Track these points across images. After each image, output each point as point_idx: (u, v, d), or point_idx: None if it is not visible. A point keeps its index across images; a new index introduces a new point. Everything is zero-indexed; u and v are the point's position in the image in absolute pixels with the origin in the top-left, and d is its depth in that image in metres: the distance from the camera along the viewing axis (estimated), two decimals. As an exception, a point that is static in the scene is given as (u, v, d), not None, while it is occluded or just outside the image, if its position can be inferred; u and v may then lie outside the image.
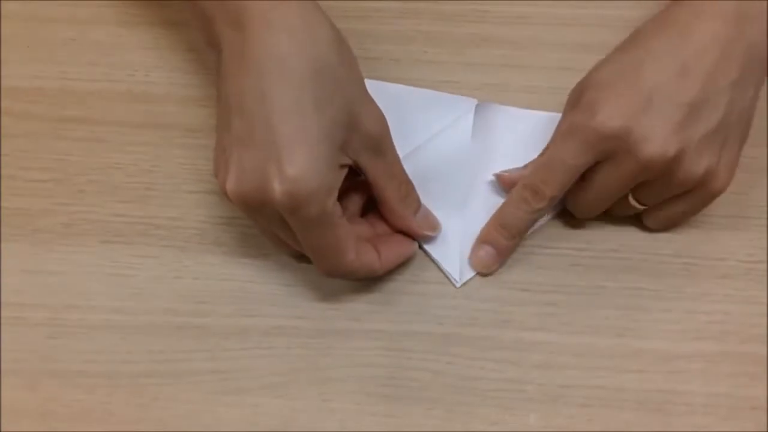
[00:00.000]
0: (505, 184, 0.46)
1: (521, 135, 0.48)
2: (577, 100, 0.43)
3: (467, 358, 0.44)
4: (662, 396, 0.43)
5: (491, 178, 0.47)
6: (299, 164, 0.37)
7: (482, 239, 0.45)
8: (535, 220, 0.45)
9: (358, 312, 0.45)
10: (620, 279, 0.45)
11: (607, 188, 0.43)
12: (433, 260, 0.46)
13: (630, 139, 0.40)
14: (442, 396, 0.43)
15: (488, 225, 0.45)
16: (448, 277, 0.45)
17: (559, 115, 0.45)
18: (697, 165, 0.41)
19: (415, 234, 0.45)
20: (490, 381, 0.43)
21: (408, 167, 0.44)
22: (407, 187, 0.44)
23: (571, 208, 0.45)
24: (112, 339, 0.44)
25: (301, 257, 0.43)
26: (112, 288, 0.45)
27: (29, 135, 0.49)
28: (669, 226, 0.46)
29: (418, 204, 0.45)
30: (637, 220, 0.46)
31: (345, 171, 0.40)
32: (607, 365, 0.43)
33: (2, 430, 0.42)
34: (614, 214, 0.46)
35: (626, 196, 0.44)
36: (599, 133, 0.41)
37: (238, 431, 0.42)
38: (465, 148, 0.47)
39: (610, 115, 0.40)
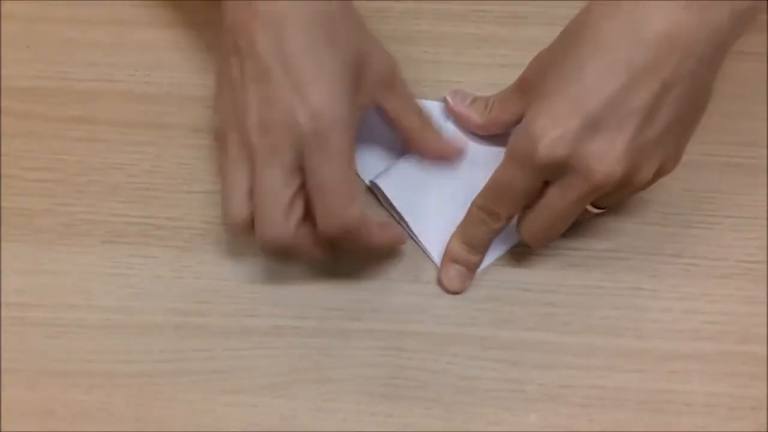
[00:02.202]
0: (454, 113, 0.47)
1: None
2: (524, 108, 0.41)
3: (467, 358, 0.44)
4: (662, 396, 0.43)
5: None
6: (322, 95, 0.39)
7: (450, 258, 0.45)
8: (499, 232, 0.44)
9: (358, 312, 0.45)
10: (620, 279, 0.45)
11: (560, 212, 0.40)
12: (433, 262, 0.46)
13: (578, 165, 0.38)
14: (442, 396, 0.43)
15: (453, 244, 0.45)
16: None
17: None
18: (651, 167, 0.39)
19: (447, 154, 0.46)
20: (490, 381, 0.43)
21: (408, 175, 0.46)
22: (425, 115, 0.45)
23: (525, 237, 0.43)
24: (112, 339, 0.44)
25: (281, 257, 0.43)
26: (112, 288, 0.45)
27: (29, 135, 0.49)
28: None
29: (439, 132, 0.46)
30: (636, 221, 0.46)
31: (362, 113, 0.42)
32: (607, 365, 0.43)
33: (2, 430, 0.42)
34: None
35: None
36: (544, 163, 0.38)
37: (238, 431, 0.42)
38: (474, 154, 0.47)
39: (553, 143, 0.38)
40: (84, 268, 0.46)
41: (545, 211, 0.41)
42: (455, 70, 0.50)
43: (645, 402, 0.43)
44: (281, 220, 0.40)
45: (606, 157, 0.38)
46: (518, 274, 0.46)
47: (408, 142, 0.46)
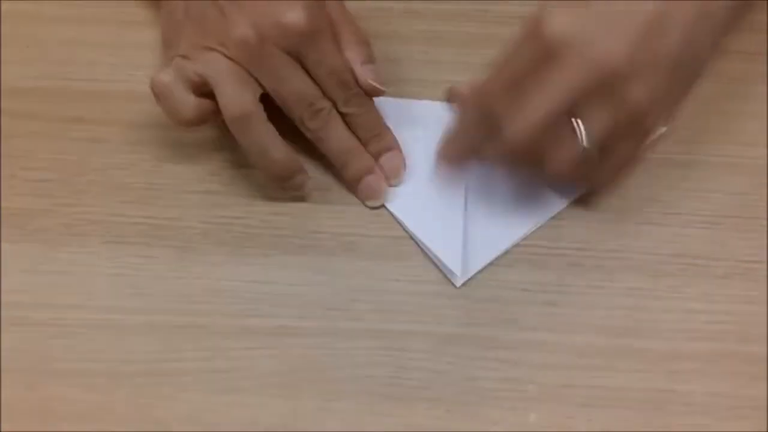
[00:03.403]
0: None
1: None
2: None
3: (467, 358, 0.44)
4: (662, 396, 0.43)
5: (493, 173, 0.47)
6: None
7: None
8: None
9: (358, 312, 0.45)
10: (620, 279, 0.45)
11: (549, 93, 0.41)
12: (432, 257, 0.46)
13: (581, 44, 0.40)
14: (442, 396, 0.43)
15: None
16: (447, 276, 0.45)
17: None
18: (643, 90, 0.40)
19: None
20: (490, 381, 0.43)
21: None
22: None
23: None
24: (112, 339, 0.44)
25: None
26: (113, 288, 0.45)
27: (29, 135, 0.49)
28: (614, 177, 0.45)
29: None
30: (636, 221, 0.46)
31: None
32: (607, 365, 0.43)
33: (2, 430, 0.42)
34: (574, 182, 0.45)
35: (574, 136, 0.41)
36: (554, 35, 0.40)
37: (238, 431, 0.42)
38: None
39: (560, 21, 0.40)
40: (84, 268, 0.46)
41: (537, 92, 0.41)
42: (455, 70, 0.50)
43: (645, 402, 0.42)
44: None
45: (608, 40, 0.40)
46: (518, 274, 0.46)
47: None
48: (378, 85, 0.46)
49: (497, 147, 0.43)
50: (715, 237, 0.46)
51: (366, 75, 0.46)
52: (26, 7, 0.53)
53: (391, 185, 0.47)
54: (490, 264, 0.46)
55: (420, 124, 0.49)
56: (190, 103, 0.45)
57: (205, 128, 0.49)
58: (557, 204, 0.47)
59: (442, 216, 0.46)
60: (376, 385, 0.43)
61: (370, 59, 0.46)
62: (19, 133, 0.49)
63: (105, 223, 0.47)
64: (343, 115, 0.46)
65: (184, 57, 0.45)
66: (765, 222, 0.46)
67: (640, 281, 0.45)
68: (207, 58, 0.44)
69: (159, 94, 0.45)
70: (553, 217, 0.47)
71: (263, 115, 0.44)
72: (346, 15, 0.47)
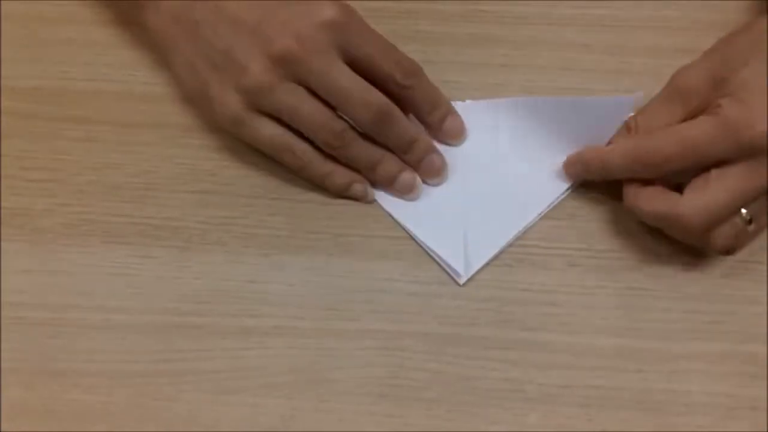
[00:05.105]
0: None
1: (525, 127, 0.49)
2: (721, 92, 0.42)
3: (467, 358, 0.44)
4: (662, 396, 0.43)
5: (495, 171, 0.48)
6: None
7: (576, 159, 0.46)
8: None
9: (358, 312, 0.45)
10: (620, 279, 0.45)
11: (732, 194, 0.41)
12: (434, 256, 0.46)
13: None
14: (442, 396, 0.43)
15: (591, 155, 0.45)
16: (449, 274, 0.45)
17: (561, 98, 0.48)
18: None
19: None
20: (490, 381, 0.43)
21: None
22: None
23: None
24: (112, 339, 0.44)
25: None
26: (112, 288, 0.45)
27: (29, 135, 0.49)
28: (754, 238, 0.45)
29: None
30: (636, 221, 0.46)
31: None
32: (607, 365, 0.43)
33: (2, 430, 0.42)
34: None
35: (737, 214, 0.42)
36: (755, 142, 0.40)
37: (238, 431, 0.42)
38: (467, 145, 0.47)
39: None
40: (84, 268, 0.46)
41: (719, 190, 0.41)
42: (455, 70, 0.50)
43: (645, 402, 0.42)
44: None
45: None
46: (518, 274, 0.45)
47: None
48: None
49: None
50: (715, 237, 0.46)
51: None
52: (26, 7, 0.53)
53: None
54: (491, 264, 0.46)
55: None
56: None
57: (203, 128, 0.49)
58: (552, 195, 0.47)
59: (441, 215, 0.46)
60: (376, 385, 0.43)
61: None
62: (19, 133, 0.49)
63: (104, 223, 0.47)
64: (403, 90, 0.46)
65: (258, 113, 0.45)
66: (765, 222, 0.46)
67: (640, 281, 0.45)
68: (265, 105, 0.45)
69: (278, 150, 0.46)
70: (553, 217, 0.47)
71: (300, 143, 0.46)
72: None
